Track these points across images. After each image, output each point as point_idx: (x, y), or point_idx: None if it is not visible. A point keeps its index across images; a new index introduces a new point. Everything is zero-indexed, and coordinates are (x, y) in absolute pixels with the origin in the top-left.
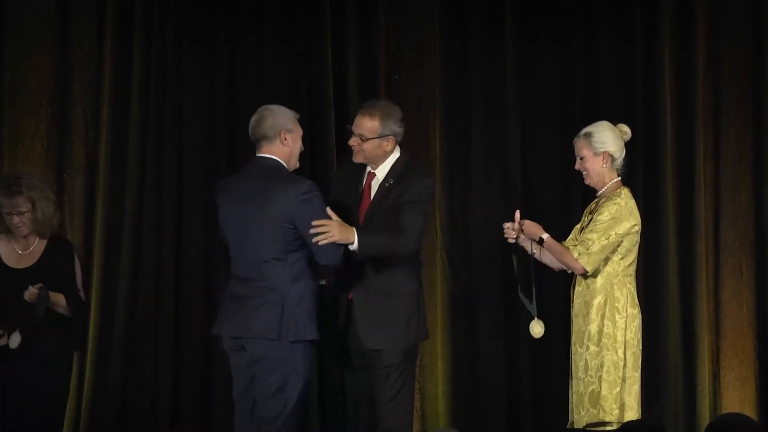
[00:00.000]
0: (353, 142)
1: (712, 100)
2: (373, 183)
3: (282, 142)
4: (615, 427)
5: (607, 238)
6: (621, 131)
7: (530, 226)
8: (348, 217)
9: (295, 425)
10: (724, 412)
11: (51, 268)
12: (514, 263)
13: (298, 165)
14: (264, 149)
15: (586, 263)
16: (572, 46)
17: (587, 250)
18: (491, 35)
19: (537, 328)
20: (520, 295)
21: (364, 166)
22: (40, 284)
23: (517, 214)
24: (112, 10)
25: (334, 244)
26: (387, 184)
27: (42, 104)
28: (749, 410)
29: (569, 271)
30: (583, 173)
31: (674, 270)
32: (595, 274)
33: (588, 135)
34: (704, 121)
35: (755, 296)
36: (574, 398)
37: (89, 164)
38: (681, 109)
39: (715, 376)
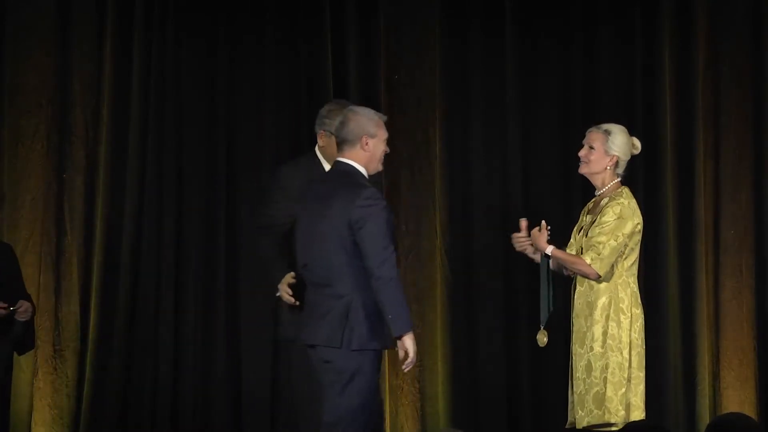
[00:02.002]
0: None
1: (712, 100)
2: None
3: (363, 147)
4: (622, 424)
5: (616, 240)
6: (633, 143)
7: (535, 238)
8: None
9: (366, 428)
10: (724, 412)
11: (3, 268)
12: (544, 268)
13: (380, 168)
14: (344, 153)
15: (599, 268)
16: (572, 46)
17: (599, 255)
18: (491, 35)
19: (542, 338)
20: (543, 302)
21: (313, 163)
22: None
23: (524, 222)
24: (112, 10)
25: (384, 255)
26: None
27: (42, 104)
28: (749, 410)
29: (566, 273)
30: (583, 161)
31: (674, 270)
32: None
33: (607, 132)
34: (704, 121)
35: (755, 296)
36: (574, 398)
37: (89, 164)
38: (681, 109)
39: (715, 376)
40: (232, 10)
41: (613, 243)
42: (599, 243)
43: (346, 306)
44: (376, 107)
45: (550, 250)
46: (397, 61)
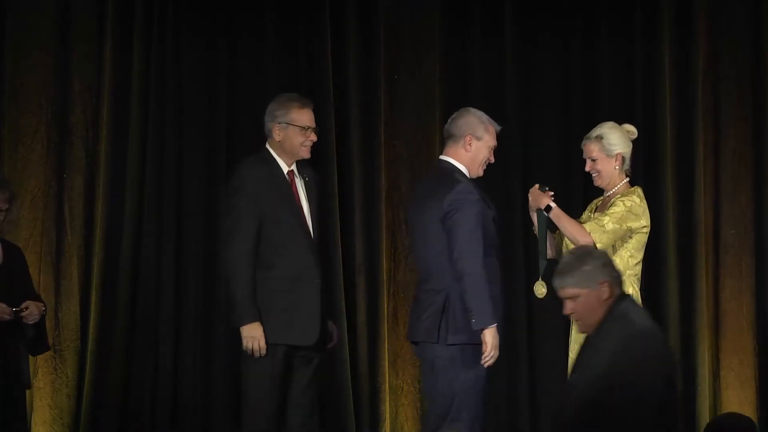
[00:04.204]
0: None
1: (712, 100)
2: (297, 181)
3: (465, 147)
4: None
5: (620, 225)
6: (627, 131)
7: (535, 194)
8: (298, 219)
9: (471, 423)
10: (724, 412)
11: (13, 270)
12: (534, 223)
13: (480, 173)
14: (447, 150)
15: (598, 239)
16: (572, 46)
17: (601, 226)
18: (491, 35)
19: (540, 289)
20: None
21: (268, 164)
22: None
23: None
24: (112, 10)
25: (469, 248)
26: (306, 179)
27: (42, 104)
28: (749, 410)
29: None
30: (594, 175)
31: (674, 270)
32: None
33: (600, 137)
34: (704, 121)
35: (755, 296)
36: None
37: (89, 164)
38: (681, 109)
39: (715, 376)
40: (232, 10)
41: (616, 225)
42: (601, 220)
43: (443, 301)
44: (376, 107)
45: (553, 205)
46: (397, 61)
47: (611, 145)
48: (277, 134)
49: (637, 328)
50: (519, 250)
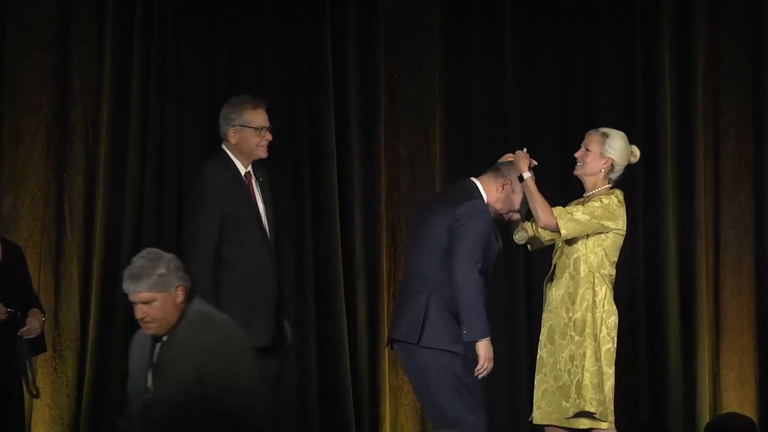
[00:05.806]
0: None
1: (712, 100)
2: (252, 182)
3: (499, 187)
4: (599, 417)
5: (591, 217)
6: (631, 151)
7: (519, 157)
8: (257, 220)
9: (468, 427)
10: (724, 412)
11: (12, 270)
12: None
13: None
14: (482, 178)
15: (564, 225)
16: (572, 46)
17: (570, 213)
18: (491, 35)
19: (522, 235)
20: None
21: (229, 167)
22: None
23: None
24: (112, 10)
25: (469, 261)
26: (260, 180)
27: (42, 104)
28: (749, 410)
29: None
30: (578, 163)
31: (674, 270)
32: (579, 266)
33: (605, 135)
34: (704, 121)
35: (755, 296)
36: (557, 393)
37: (89, 164)
38: (681, 109)
39: (715, 376)
40: (232, 10)
41: (587, 217)
42: (573, 208)
43: (425, 303)
44: (376, 107)
45: (527, 175)
46: (397, 61)
47: (610, 147)
48: (233, 137)
49: (219, 321)
50: (519, 248)
